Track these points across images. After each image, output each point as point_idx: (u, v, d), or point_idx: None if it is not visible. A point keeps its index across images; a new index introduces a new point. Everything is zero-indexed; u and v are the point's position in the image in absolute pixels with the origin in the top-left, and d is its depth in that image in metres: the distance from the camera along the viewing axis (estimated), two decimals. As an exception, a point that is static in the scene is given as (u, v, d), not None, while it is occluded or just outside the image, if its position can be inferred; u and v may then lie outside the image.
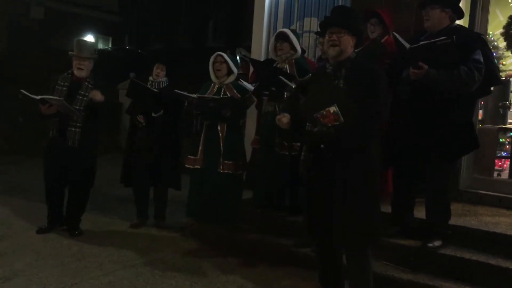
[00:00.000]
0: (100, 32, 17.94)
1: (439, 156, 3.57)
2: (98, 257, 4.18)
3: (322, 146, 2.97)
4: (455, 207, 4.36)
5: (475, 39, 3.59)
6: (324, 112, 2.83)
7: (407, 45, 3.48)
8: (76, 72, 4.59)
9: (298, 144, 4.24)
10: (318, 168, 3.02)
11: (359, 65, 3.01)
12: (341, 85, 2.96)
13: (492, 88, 3.97)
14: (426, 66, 3.40)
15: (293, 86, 3.95)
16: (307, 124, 3.06)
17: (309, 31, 5.38)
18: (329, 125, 2.85)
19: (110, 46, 17.91)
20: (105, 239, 4.66)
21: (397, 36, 3.51)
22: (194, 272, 3.95)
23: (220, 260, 4.22)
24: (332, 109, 2.80)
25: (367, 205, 2.97)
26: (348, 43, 3.02)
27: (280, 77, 4.08)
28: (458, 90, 3.47)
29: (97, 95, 4.51)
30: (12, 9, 14.80)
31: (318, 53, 5.15)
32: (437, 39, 3.38)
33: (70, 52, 4.63)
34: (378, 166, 3.07)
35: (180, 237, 4.80)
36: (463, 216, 4.15)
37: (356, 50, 3.12)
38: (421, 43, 3.48)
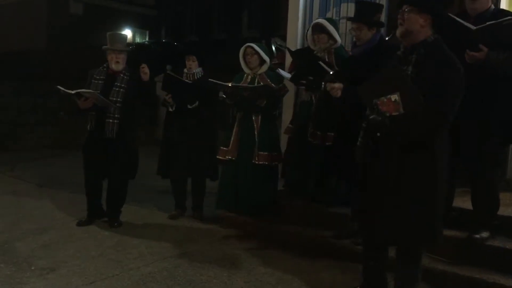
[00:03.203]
0: (137, 26, 18.15)
1: (491, 142, 3.39)
2: (138, 248, 4.23)
3: (378, 134, 2.73)
4: (502, 196, 4.15)
5: None
6: (385, 100, 2.58)
7: (472, 27, 3.23)
8: (114, 66, 4.60)
9: (332, 134, 4.15)
10: (374, 157, 2.80)
11: (435, 53, 2.64)
12: (409, 72, 2.67)
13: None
14: (486, 49, 3.21)
15: (331, 73, 3.81)
16: (367, 108, 2.82)
17: (346, 17, 5.22)
18: (387, 114, 2.61)
19: (147, 39, 18.13)
20: (145, 230, 4.71)
21: (455, 17, 3.26)
22: (232, 264, 3.94)
23: (258, 252, 4.20)
24: (394, 97, 2.54)
25: (421, 206, 2.72)
26: (414, 23, 2.65)
27: (320, 62, 3.96)
28: None
29: (145, 70, 4.55)
30: (52, 5, 15.15)
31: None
32: (503, 19, 3.17)
33: (104, 47, 4.66)
34: (443, 166, 2.74)
35: (218, 228, 4.79)
36: (511, 206, 3.97)
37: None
38: (488, 23, 3.22)
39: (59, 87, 4.49)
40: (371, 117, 2.75)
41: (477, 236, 3.52)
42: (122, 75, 4.63)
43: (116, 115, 4.54)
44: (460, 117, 3.25)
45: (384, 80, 2.64)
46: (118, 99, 4.55)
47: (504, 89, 3.36)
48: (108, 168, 4.68)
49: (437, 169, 2.73)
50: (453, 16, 3.29)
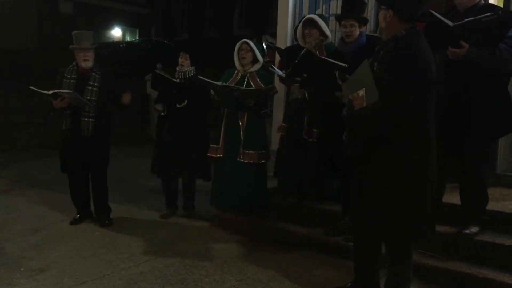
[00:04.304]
0: (127, 24, 18.09)
1: (475, 137, 3.43)
2: (129, 248, 4.21)
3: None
4: (492, 191, 4.19)
5: (509, 16, 3.43)
6: (355, 95, 2.69)
7: (450, 23, 3.27)
8: (83, 64, 4.60)
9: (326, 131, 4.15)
10: (357, 152, 2.87)
11: (404, 47, 2.66)
12: (375, 68, 2.73)
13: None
14: (467, 45, 3.24)
15: (346, 66, 3.74)
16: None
17: (336, 14, 5.23)
18: (355, 109, 2.72)
19: (137, 38, 18.07)
20: (136, 229, 4.69)
21: (436, 14, 3.30)
22: (224, 262, 3.94)
23: (250, 250, 4.20)
24: (361, 92, 2.65)
25: (400, 202, 2.72)
26: (382, 19, 2.75)
27: (329, 59, 3.91)
28: (499, 69, 3.32)
29: (127, 99, 4.61)
30: (41, 5, 15.06)
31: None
32: (483, 15, 3.19)
33: (71, 46, 4.64)
34: (419, 163, 2.71)
35: (210, 227, 4.79)
36: (501, 201, 3.99)
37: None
38: (466, 20, 3.26)
39: (32, 87, 4.49)
40: (343, 112, 2.85)
41: (467, 231, 3.54)
42: (94, 73, 4.64)
43: (91, 114, 4.55)
44: (445, 114, 3.34)
45: (356, 77, 2.75)
46: (93, 98, 4.56)
47: (487, 86, 3.40)
48: (88, 166, 4.69)
49: (411, 165, 2.70)
50: (433, 12, 3.32)
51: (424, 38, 2.73)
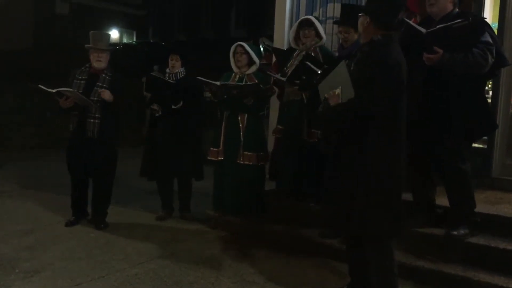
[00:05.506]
0: (124, 26, 18.06)
1: (452, 141, 3.50)
2: (125, 250, 4.20)
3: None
4: (487, 195, 4.24)
5: (482, 22, 3.55)
6: (332, 94, 2.82)
7: (423, 30, 3.43)
8: (95, 64, 4.62)
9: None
10: (333, 149, 3.01)
11: (374, 50, 2.83)
12: (351, 68, 2.87)
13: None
14: (441, 51, 3.35)
15: (319, 72, 3.82)
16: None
17: (333, 17, 5.25)
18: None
19: (134, 40, 18.04)
20: (132, 231, 4.68)
21: (411, 22, 3.47)
22: (220, 264, 3.94)
23: (246, 252, 4.20)
24: (337, 91, 2.78)
25: (365, 198, 2.82)
26: (360, 24, 2.95)
27: (307, 62, 3.98)
28: (473, 73, 3.41)
29: (105, 94, 4.52)
30: (38, 5, 15.02)
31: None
32: (453, 22, 3.34)
33: (87, 45, 4.66)
34: (383, 161, 2.81)
35: (206, 229, 4.79)
36: (496, 204, 4.01)
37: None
38: (437, 26, 3.42)
39: (41, 86, 4.49)
40: (319, 109, 2.99)
41: (455, 232, 3.54)
42: (104, 75, 4.63)
43: (96, 115, 4.54)
44: (422, 116, 3.44)
45: (332, 77, 2.89)
46: (99, 99, 4.54)
47: (462, 90, 3.48)
48: (92, 168, 4.67)
49: (380, 164, 2.80)
50: (408, 21, 3.44)
51: (397, 43, 2.88)
